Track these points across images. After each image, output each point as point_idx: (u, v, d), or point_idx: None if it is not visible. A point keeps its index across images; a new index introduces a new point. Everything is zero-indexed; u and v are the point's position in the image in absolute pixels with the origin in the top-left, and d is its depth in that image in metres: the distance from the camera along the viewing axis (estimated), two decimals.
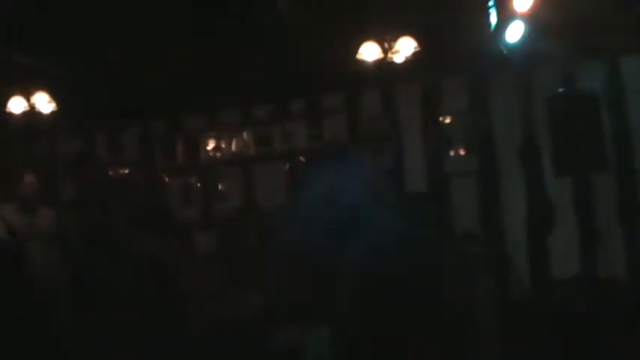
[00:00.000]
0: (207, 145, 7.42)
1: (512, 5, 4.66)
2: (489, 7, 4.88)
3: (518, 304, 5.82)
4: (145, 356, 4.62)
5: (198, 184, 7.45)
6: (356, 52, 5.74)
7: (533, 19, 4.65)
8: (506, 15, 4.74)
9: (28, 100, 6.29)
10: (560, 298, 5.59)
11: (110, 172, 7.32)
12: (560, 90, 5.81)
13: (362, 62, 5.78)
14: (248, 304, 5.07)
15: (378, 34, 5.70)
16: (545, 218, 6.14)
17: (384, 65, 5.83)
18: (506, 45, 4.87)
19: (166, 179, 7.52)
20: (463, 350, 4.54)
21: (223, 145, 7.36)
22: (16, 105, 6.29)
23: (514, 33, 4.76)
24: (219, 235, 6.59)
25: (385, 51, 5.66)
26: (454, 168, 6.56)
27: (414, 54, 5.57)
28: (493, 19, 4.87)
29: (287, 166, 7.11)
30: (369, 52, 5.75)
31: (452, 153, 6.58)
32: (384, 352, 3.83)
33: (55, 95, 6.36)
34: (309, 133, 7.08)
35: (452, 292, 4.33)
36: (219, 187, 7.41)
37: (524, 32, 4.71)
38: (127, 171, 7.48)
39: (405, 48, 5.62)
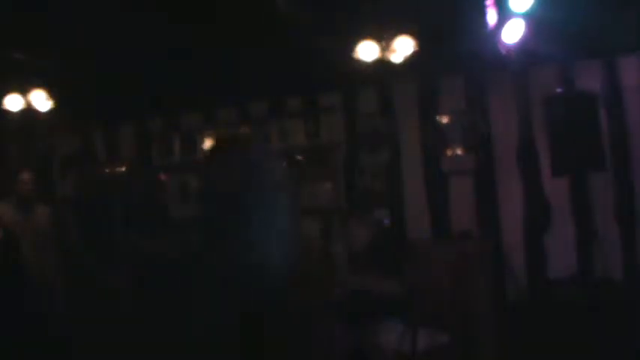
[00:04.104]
0: (204, 143, 7.42)
1: (510, 5, 4.66)
2: (487, 7, 4.88)
3: (514, 303, 5.83)
4: (143, 354, 4.62)
5: (195, 183, 7.44)
6: (354, 51, 5.73)
7: (531, 19, 4.64)
8: (504, 14, 4.73)
9: (25, 97, 6.27)
10: (556, 298, 5.60)
11: (107, 170, 7.31)
12: (558, 90, 5.82)
13: (359, 61, 5.77)
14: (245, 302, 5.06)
15: (375, 33, 5.69)
16: (542, 218, 6.15)
17: (381, 64, 5.82)
18: (505, 45, 4.87)
19: (164, 177, 7.52)
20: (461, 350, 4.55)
21: None
22: (13, 102, 6.27)
23: (512, 32, 4.76)
24: None
25: (383, 50, 5.65)
26: (451, 167, 6.56)
27: (412, 53, 5.56)
28: (491, 18, 4.86)
29: (284, 163, 7.11)
30: (367, 51, 5.74)
31: (449, 152, 6.58)
32: None
33: (52, 93, 6.34)
34: (307, 132, 7.09)
35: None
36: None
37: (523, 32, 4.71)
38: (124, 169, 7.47)
39: (402, 47, 5.61)
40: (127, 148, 7.70)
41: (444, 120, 6.63)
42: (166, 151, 7.58)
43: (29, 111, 6.31)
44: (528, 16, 4.66)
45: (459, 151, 6.55)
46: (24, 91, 6.31)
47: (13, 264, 5.23)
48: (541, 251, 6.15)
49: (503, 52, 4.91)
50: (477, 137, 6.42)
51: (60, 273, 5.65)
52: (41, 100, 6.33)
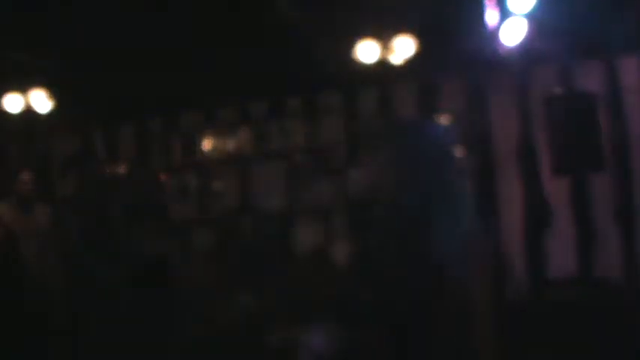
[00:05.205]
0: (204, 143, 7.42)
1: (510, 5, 4.66)
2: (488, 7, 4.88)
3: (514, 303, 5.83)
4: (142, 355, 4.62)
5: (195, 183, 7.44)
6: (354, 51, 5.73)
7: (531, 19, 4.65)
8: (504, 14, 4.74)
9: (25, 97, 6.28)
10: (556, 298, 5.60)
11: (107, 170, 7.31)
12: (558, 90, 5.82)
13: (359, 61, 5.78)
14: (245, 302, 5.07)
15: (375, 32, 5.69)
16: (542, 218, 6.15)
17: (381, 64, 5.83)
18: (505, 45, 4.87)
19: (163, 177, 7.51)
20: (460, 350, 4.54)
21: (220, 144, 7.35)
22: (13, 103, 6.27)
23: (512, 33, 4.77)
24: (216, 233, 6.59)
25: (383, 50, 5.65)
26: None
27: (412, 53, 5.57)
28: (491, 18, 4.87)
29: (285, 164, 7.11)
30: (367, 51, 5.75)
31: None
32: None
33: (52, 93, 6.35)
34: (307, 132, 7.08)
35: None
36: (216, 185, 7.40)
37: (523, 32, 4.71)
38: (124, 169, 7.47)
39: (402, 47, 5.62)
40: (127, 148, 7.69)
41: (444, 120, 6.62)
42: (166, 151, 7.58)
43: (29, 111, 6.31)
44: (528, 17, 4.66)
45: (458, 152, 6.54)
46: (24, 91, 6.32)
47: (13, 264, 5.23)
48: (541, 251, 6.15)
49: (503, 52, 4.91)
50: (476, 137, 6.42)
51: (60, 273, 5.65)
52: (41, 101, 6.33)
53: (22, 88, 6.30)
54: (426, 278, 4.09)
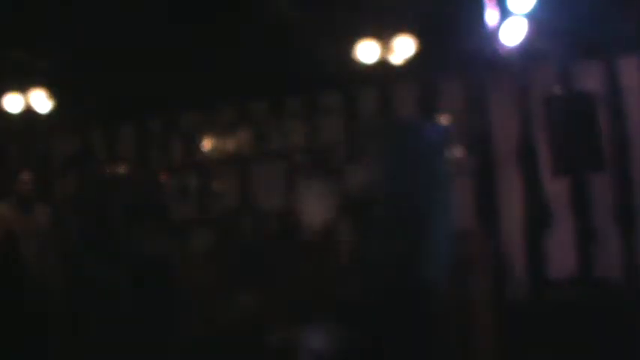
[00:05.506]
0: (204, 143, 7.42)
1: (510, 5, 4.66)
2: (488, 7, 4.88)
3: (514, 303, 5.83)
4: (142, 355, 4.62)
5: (195, 183, 7.44)
6: (354, 51, 5.73)
7: (531, 19, 4.65)
8: (505, 14, 4.74)
9: (25, 97, 6.28)
10: (556, 298, 5.60)
11: (107, 170, 7.31)
12: (558, 90, 5.83)
13: (359, 61, 5.78)
14: (245, 302, 5.07)
15: (376, 32, 5.69)
16: (542, 218, 6.15)
17: (381, 64, 5.83)
18: (505, 44, 4.87)
19: (163, 177, 7.51)
20: (460, 350, 4.55)
21: (220, 144, 7.36)
22: (13, 103, 6.27)
23: (512, 33, 4.77)
24: (216, 233, 6.58)
25: (383, 50, 5.66)
26: (451, 167, 6.54)
27: (412, 53, 5.57)
28: (492, 18, 4.87)
29: (285, 164, 7.11)
30: (367, 51, 5.75)
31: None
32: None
33: (52, 93, 6.35)
34: (307, 132, 7.08)
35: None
36: (216, 185, 7.41)
37: (523, 32, 4.71)
38: (124, 169, 7.47)
39: (402, 47, 5.62)
40: (126, 148, 7.69)
41: (444, 120, 6.62)
42: (166, 151, 7.59)
43: (29, 111, 6.31)
44: (528, 17, 4.67)
45: (458, 152, 6.54)
46: (24, 91, 6.32)
47: (13, 264, 5.23)
48: (541, 251, 6.15)
49: (503, 52, 4.91)
50: (476, 137, 6.42)
51: (60, 273, 5.65)
52: (41, 101, 6.33)
53: (22, 88, 6.31)
54: (424, 278, 4.09)
